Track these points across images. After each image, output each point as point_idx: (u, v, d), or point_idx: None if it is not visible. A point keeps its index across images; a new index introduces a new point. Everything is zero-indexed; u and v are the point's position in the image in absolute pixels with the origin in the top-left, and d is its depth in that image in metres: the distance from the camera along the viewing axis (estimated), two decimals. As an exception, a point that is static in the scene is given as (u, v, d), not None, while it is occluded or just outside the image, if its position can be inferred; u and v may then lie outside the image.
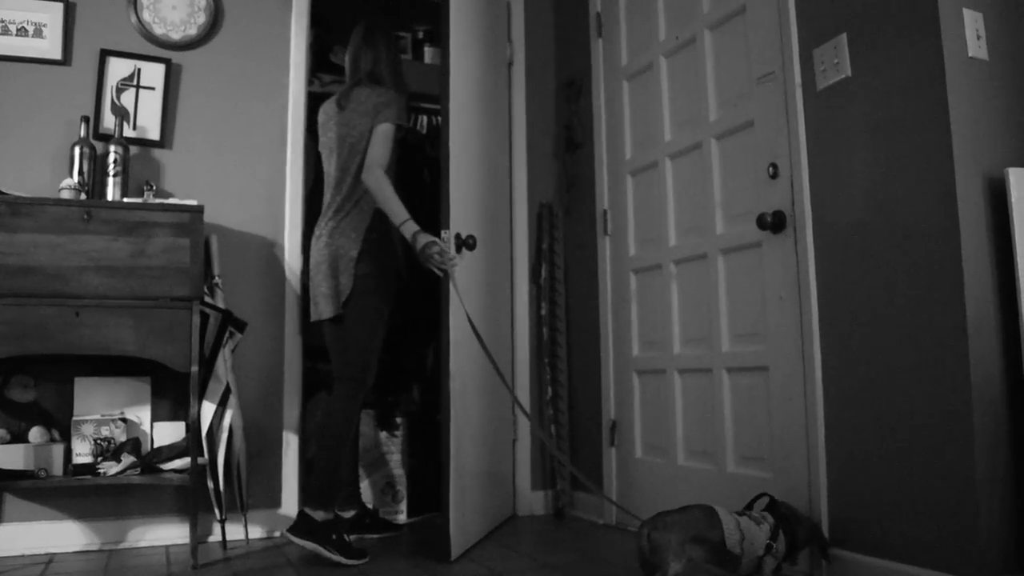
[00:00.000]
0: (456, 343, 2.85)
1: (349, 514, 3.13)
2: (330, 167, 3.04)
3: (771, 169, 2.62)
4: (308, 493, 2.78)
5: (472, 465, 3.03)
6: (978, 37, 2.18)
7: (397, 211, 2.81)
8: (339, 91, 3.10)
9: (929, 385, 2.11)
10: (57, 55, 3.08)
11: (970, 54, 2.16)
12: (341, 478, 2.85)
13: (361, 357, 2.88)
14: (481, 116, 3.48)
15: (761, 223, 2.57)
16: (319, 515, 2.72)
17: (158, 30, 3.24)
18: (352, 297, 2.86)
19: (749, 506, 2.35)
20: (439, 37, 3.52)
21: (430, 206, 3.73)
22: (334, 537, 2.71)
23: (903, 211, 2.20)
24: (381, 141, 2.89)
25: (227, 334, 2.97)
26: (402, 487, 3.56)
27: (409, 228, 2.78)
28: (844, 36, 2.39)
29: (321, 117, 3.13)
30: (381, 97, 2.96)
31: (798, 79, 2.54)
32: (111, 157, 2.95)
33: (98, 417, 2.85)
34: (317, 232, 3.00)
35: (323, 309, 2.90)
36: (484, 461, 3.22)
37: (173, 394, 3.08)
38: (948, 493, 2.05)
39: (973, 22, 2.18)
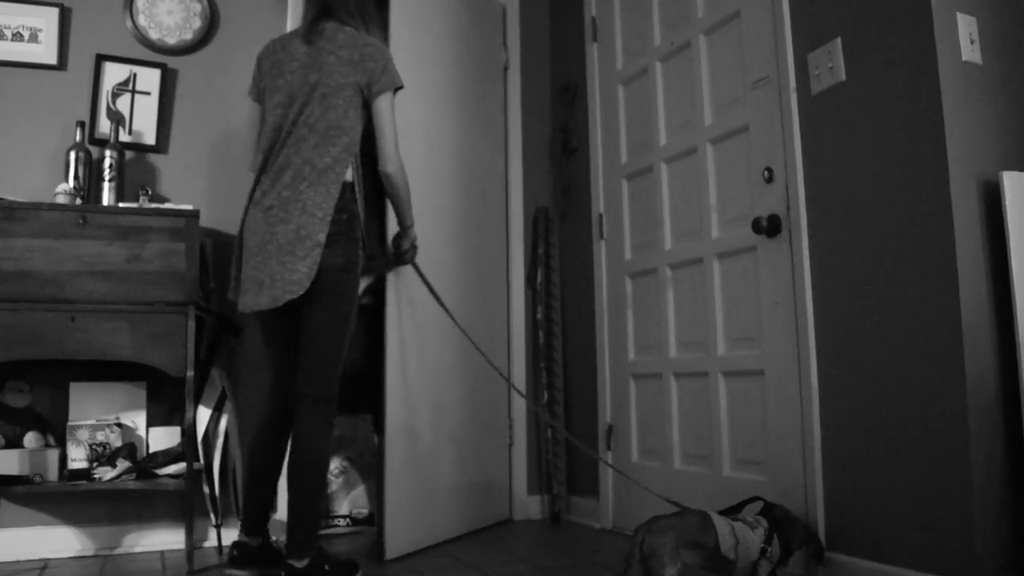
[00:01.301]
0: (398, 348, 2.91)
1: (257, 542, 2.48)
2: (284, 119, 2.45)
3: (766, 173, 2.62)
4: (291, 544, 2.30)
5: (431, 465, 3.08)
6: (972, 41, 2.19)
7: (409, 213, 2.64)
8: (303, 24, 2.53)
9: (924, 388, 2.11)
10: (53, 60, 3.08)
11: (964, 58, 2.17)
12: (269, 505, 2.49)
13: (333, 372, 2.40)
14: (459, 119, 3.51)
15: (756, 227, 2.57)
16: (304, 562, 2.30)
17: (154, 35, 3.24)
18: (316, 293, 2.36)
19: (739, 507, 2.34)
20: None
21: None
22: (327, 568, 2.38)
23: (898, 215, 2.21)
24: (390, 120, 2.46)
25: (222, 338, 2.96)
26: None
27: (413, 231, 2.76)
28: (838, 41, 2.39)
29: (275, 55, 2.53)
30: (369, 48, 2.46)
31: (793, 83, 2.55)
32: (106, 162, 2.95)
33: (93, 422, 2.85)
34: (263, 201, 2.43)
35: (262, 298, 2.35)
36: (462, 463, 3.29)
37: (168, 399, 3.08)
38: (944, 496, 2.05)
39: (967, 26, 2.19)
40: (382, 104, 2.47)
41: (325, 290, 2.37)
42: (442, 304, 2.88)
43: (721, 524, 2.08)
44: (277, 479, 2.52)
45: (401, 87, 2.51)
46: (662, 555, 1.95)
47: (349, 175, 2.45)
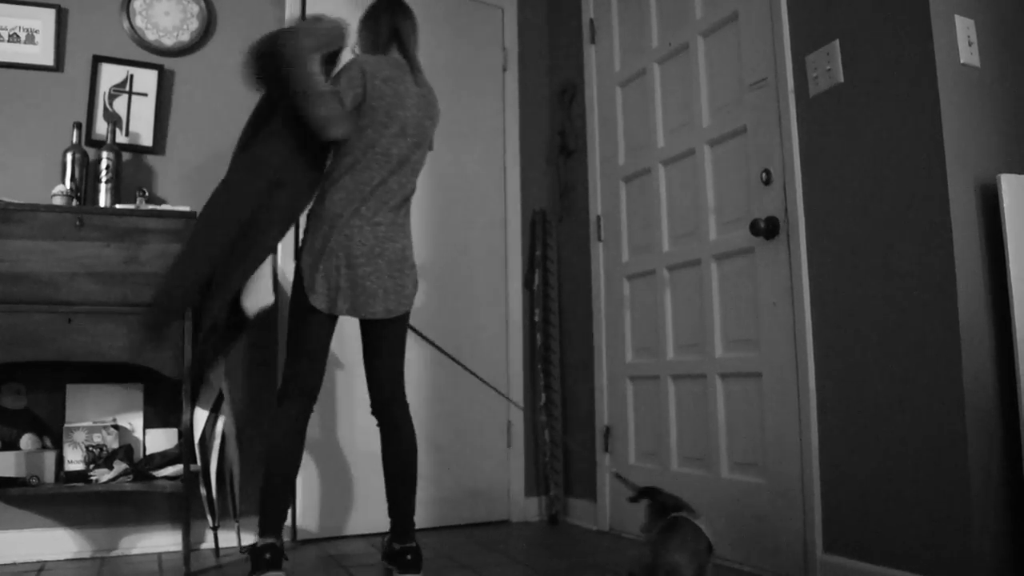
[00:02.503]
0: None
1: (279, 541, 2.48)
2: (398, 150, 2.58)
3: (764, 175, 2.62)
4: (407, 528, 2.58)
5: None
6: (970, 43, 2.19)
7: None
8: (408, 61, 2.66)
9: (922, 390, 2.11)
10: (49, 61, 3.07)
11: (962, 60, 2.17)
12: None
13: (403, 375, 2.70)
14: (453, 120, 3.53)
15: (754, 229, 2.57)
16: (415, 543, 2.58)
17: (151, 36, 3.23)
18: (406, 310, 2.63)
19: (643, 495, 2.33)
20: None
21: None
22: (417, 546, 2.61)
23: (895, 217, 2.21)
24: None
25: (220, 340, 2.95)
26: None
27: None
28: (836, 43, 2.40)
29: (397, 85, 2.57)
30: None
31: (791, 85, 2.55)
32: (103, 163, 2.94)
33: (90, 424, 2.84)
34: (372, 217, 2.55)
35: (376, 308, 2.53)
36: (438, 466, 3.37)
37: (165, 401, 3.07)
38: (941, 498, 2.05)
39: (965, 29, 2.19)
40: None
41: (410, 306, 2.65)
42: (437, 346, 2.90)
43: (704, 527, 2.12)
44: (297, 474, 2.54)
45: None
46: (685, 569, 1.99)
47: None
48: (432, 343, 2.87)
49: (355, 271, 2.49)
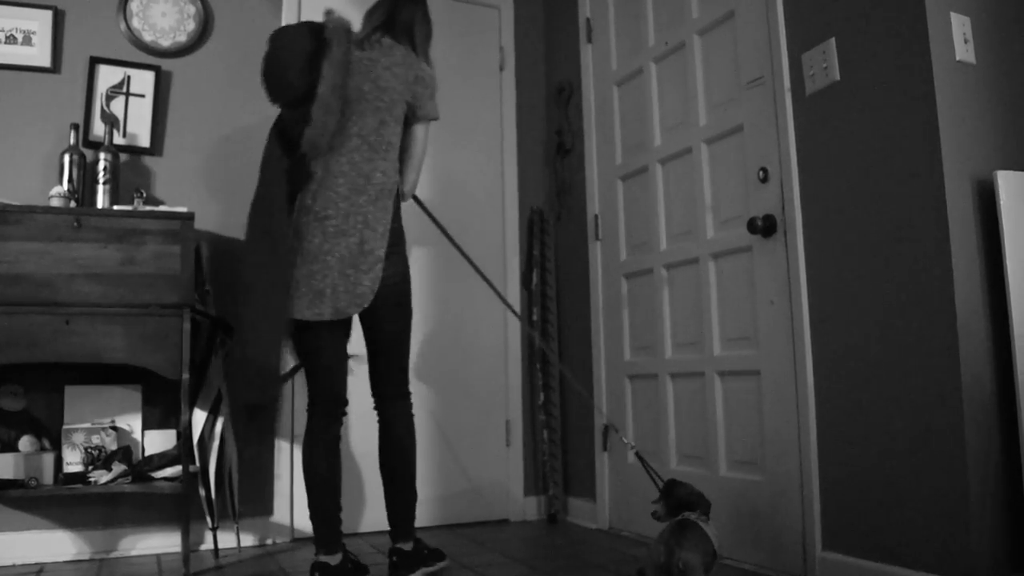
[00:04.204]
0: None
1: (336, 559, 2.41)
2: (338, 124, 2.42)
3: (761, 173, 2.62)
4: (400, 530, 2.52)
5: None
6: (965, 41, 2.20)
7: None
8: (360, 32, 2.54)
9: (920, 387, 2.12)
10: (46, 62, 3.07)
11: (958, 58, 2.17)
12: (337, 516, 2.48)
13: (406, 372, 2.58)
14: (450, 120, 3.52)
15: (751, 227, 2.57)
16: (410, 545, 2.52)
17: (147, 37, 3.23)
18: (383, 306, 2.45)
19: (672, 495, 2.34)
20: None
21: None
22: (425, 552, 2.57)
23: (892, 214, 2.21)
24: (423, 149, 2.57)
25: (218, 341, 2.96)
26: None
27: None
28: (833, 41, 2.40)
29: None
30: (424, 72, 2.52)
31: (787, 83, 2.55)
32: (101, 164, 2.94)
33: (88, 425, 2.84)
34: (316, 210, 2.42)
35: (324, 308, 2.38)
36: (435, 466, 3.32)
37: (164, 402, 3.07)
38: (939, 495, 2.06)
39: (960, 26, 2.19)
40: (420, 132, 2.55)
41: (392, 302, 2.47)
42: (450, 237, 2.84)
43: (709, 531, 2.13)
44: (340, 487, 2.46)
45: (437, 119, 2.58)
46: (698, 570, 2.01)
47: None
48: (442, 228, 2.81)
49: (303, 270, 2.40)
